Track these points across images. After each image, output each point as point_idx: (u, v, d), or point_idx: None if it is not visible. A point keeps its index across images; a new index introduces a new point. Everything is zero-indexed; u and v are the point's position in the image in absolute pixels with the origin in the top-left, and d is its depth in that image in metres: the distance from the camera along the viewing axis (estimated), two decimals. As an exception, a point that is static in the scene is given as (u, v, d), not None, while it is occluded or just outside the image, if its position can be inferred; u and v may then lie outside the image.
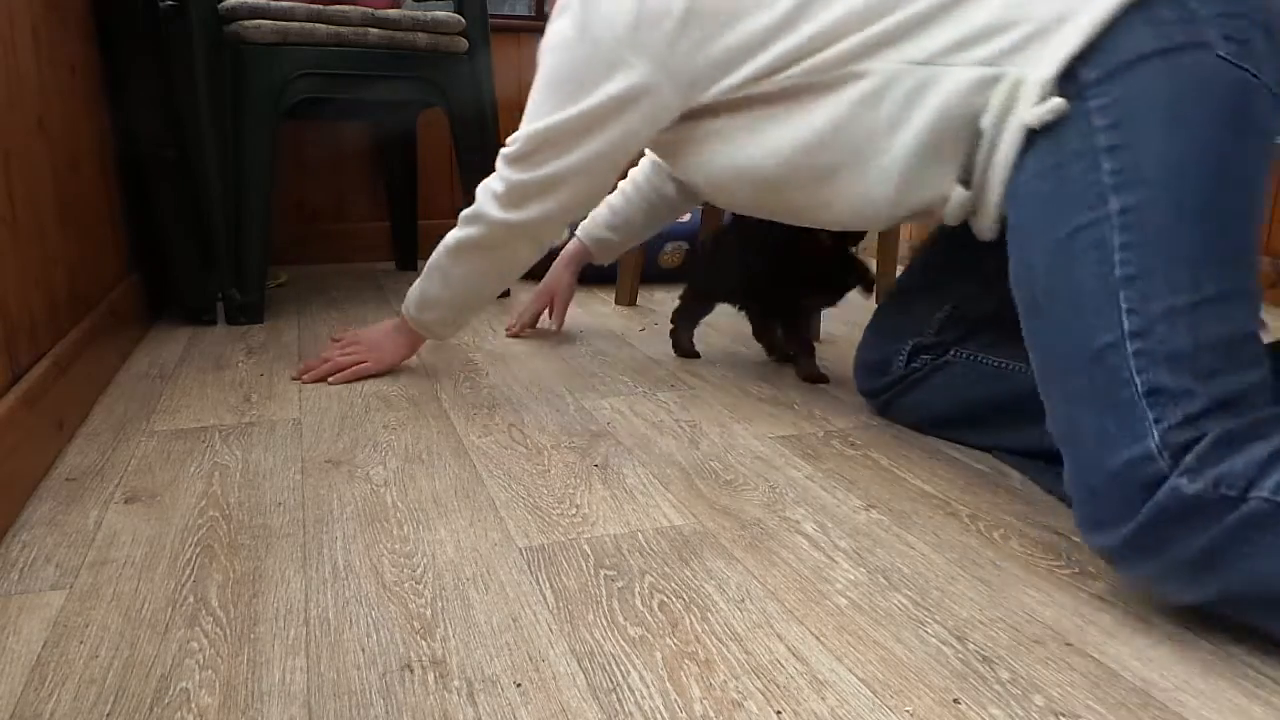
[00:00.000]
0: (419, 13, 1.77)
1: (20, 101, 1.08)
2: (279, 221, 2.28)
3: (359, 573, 0.79)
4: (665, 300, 2.00)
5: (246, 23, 1.61)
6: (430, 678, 0.64)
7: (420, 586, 0.77)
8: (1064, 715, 0.61)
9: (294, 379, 1.35)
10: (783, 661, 0.67)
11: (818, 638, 0.70)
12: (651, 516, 0.91)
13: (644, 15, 0.99)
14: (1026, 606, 0.75)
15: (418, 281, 1.29)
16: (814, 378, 1.39)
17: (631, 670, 0.65)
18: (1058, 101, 0.82)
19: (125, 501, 0.93)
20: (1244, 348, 0.71)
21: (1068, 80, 0.82)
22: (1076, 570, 0.81)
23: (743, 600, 0.75)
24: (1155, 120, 0.77)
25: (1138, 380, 0.71)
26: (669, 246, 2.16)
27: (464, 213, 1.20)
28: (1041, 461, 1.00)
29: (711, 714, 0.61)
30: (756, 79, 0.98)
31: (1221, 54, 0.77)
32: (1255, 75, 0.78)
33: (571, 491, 0.96)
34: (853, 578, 0.79)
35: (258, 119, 1.66)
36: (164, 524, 0.88)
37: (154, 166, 1.62)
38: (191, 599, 0.74)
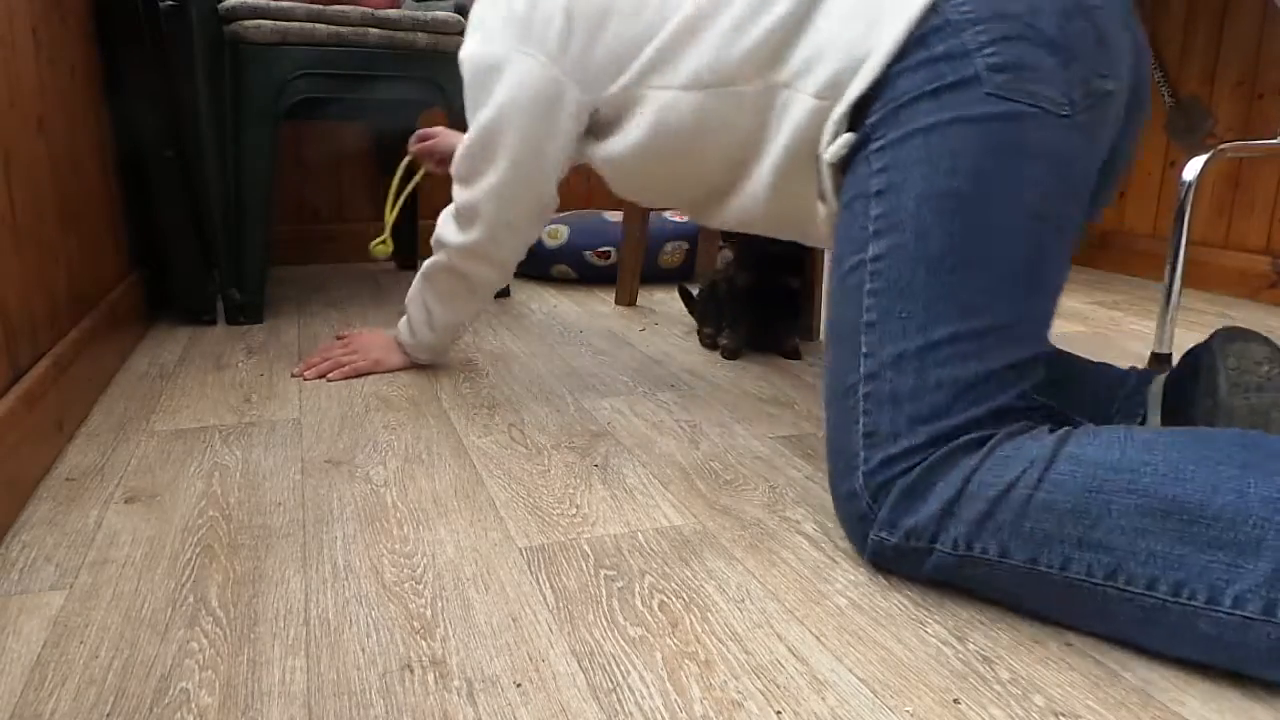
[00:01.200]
0: (419, 13, 1.77)
1: (20, 101, 1.08)
2: (279, 221, 2.29)
3: (359, 573, 0.79)
4: (665, 300, 2.00)
5: (246, 23, 1.61)
6: (430, 678, 0.64)
7: (420, 586, 0.77)
8: (1064, 715, 0.61)
9: (294, 375, 1.36)
10: (783, 661, 0.67)
11: (818, 638, 0.70)
12: (651, 516, 0.91)
13: (535, 17, 1.04)
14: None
15: (406, 307, 1.36)
16: (729, 352, 1.52)
17: (631, 670, 0.65)
18: (845, 138, 0.84)
19: (125, 501, 0.93)
20: (975, 388, 0.74)
21: (859, 117, 0.84)
22: (1076, 570, 0.81)
23: (743, 600, 0.75)
24: (914, 165, 0.78)
25: (861, 421, 0.77)
26: (669, 246, 2.16)
27: (432, 238, 1.26)
28: None
29: (711, 714, 0.61)
30: (646, 80, 1.00)
31: (988, 90, 0.76)
32: (1030, 104, 0.76)
33: (571, 491, 0.97)
34: (853, 578, 0.79)
35: (258, 119, 1.66)
36: (164, 524, 0.88)
37: (154, 166, 1.62)
38: (191, 599, 0.74)
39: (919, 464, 0.73)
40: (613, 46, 1.01)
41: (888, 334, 0.76)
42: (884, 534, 0.75)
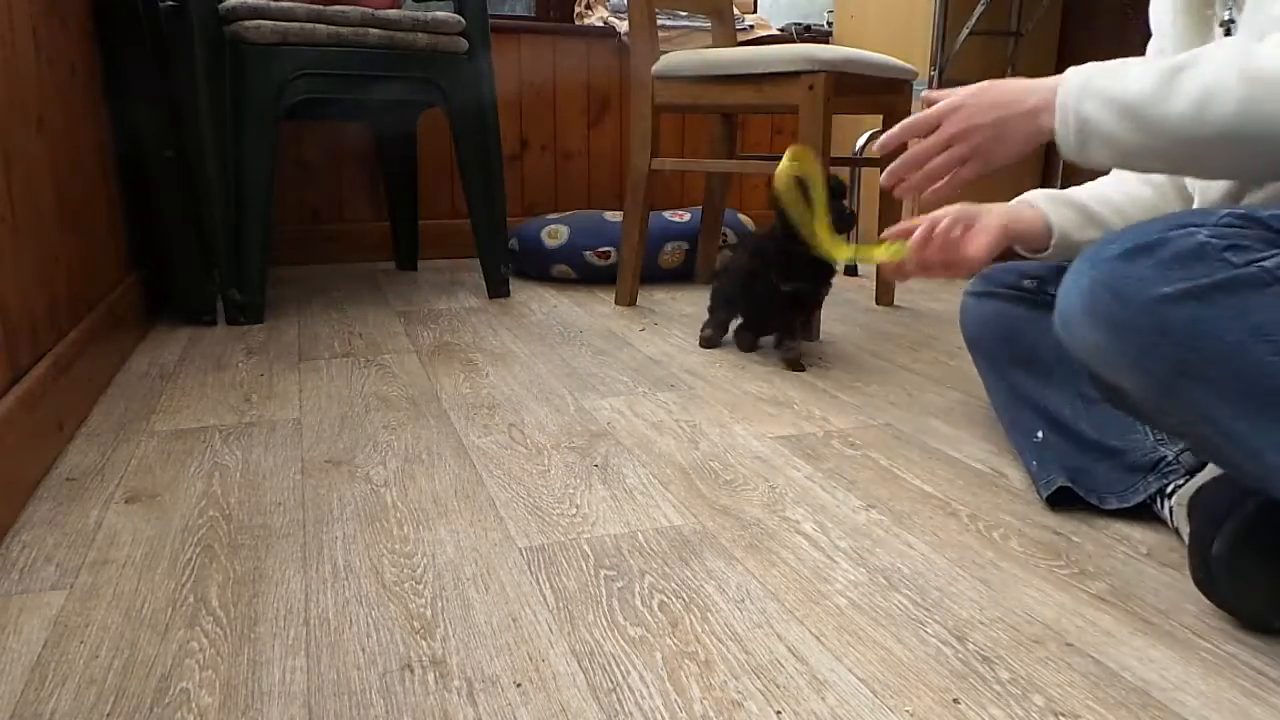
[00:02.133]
0: (419, 13, 1.77)
1: (20, 101, 1.08)
2: (279, 221, 2.29)
3: (359, 573, 0.79)
4: (665, 300, 2.00)
5: (246, 23, 1.61)
6: (430, 678, 0.64)
7: (420, 586, 0.77)
8: (1064, 715, 0.61)
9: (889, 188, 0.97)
10: (783, 661, 0.67)
11: (818, 638, 0.70)
12: (651, 516, 0.91)
13: None
14: (1026, 606, 0.75)
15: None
16: (794, 365, 1.47)
17: (631, 670, 0.65)
18: None
19: (125, 501, 0.93)
20: None
21: None
22: (1076, 570, 0.81)
23: (743, 600, 0.75)
24: None
25: None
26: (669, 246, 2.16)
27: None
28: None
29: (711, 714, 0.61)
30: None
31: None
32: None
33: (571, 491, 0.97)
34: (853, 578, 0.79)
35: (258, 119, 1.66)
36: (164, 524, 0.88)
37: (154, 166, 1.62)
38: (191, 599, 0.74)
39: None
40: None
41: None
42: None
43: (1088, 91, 0.79)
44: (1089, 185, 1.06)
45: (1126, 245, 0.68)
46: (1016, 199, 1.05)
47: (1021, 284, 1.10)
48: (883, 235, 1.05)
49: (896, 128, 0.93)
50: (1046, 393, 1.02)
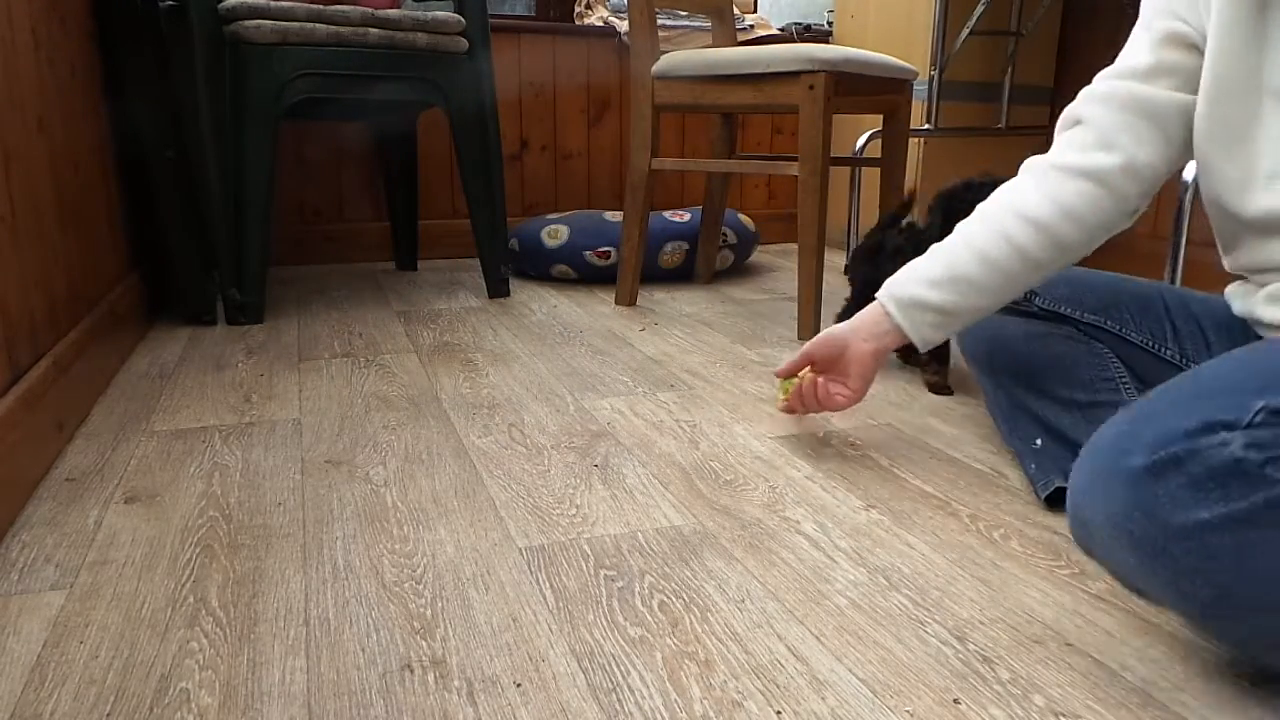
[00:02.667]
0: (419, 13, 1.77)
1: (20, 101, 1.08)
2: (279, 221, 2.29)
3: (359, 573, 0.79)
4: (665, 300, 2.00)
5: (246, 23, 1.61)
6: (430, 678, 0.64)
7: (420, 586, 0.77)
8: (1064, 715, 0.61)
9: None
10: (783, 661, 0.67)
11: (818, 638, 0.70)
12: (651, 516, 0.91)
13: None
14: (1026, 606, 0.75)
15: None
16: (938, 387, 1.35)
17: (631, 670, 0.65)
18: None
19: (125, 501, 0.93)
20: None
21: None
22: (1076, 570, 0.81)
23: (743, 600, 0.75)
24: None
25: None
26: (669, 246, 2.16)
27: None
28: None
29: (711, 714, 0.61)
30: None
31: None
32: None
33: (571, 491, 0.96)
34: (853, 578, 0.79)
35: (258, 119, 1.66)
36: (164, 524, 0.88)
37: (154, 166, 1.62)
38: (191, 599, 0.74)
39: None
40: None
41: None
42: None
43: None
44: (959, 238, 0.98)
45: (1152, 457, 0.60)
46: (874, 302, 1.03)
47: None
48: (776, 372, 1.12)
49: None
50: (1042, 403, 1.02)
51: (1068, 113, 0.94)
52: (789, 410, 1.12)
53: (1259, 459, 0.56)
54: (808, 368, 1.08)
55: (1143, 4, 0.92)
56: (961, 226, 0.98)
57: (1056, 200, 0.91)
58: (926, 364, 1.37)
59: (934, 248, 0.99)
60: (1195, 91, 0.85)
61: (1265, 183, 0.80)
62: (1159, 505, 0.59)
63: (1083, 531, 0.65)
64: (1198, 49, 0.85)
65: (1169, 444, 0.59)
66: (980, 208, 0.97)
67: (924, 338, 0.99)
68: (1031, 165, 0.95)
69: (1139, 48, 0.89)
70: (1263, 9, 0.79)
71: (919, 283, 0.98)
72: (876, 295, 1.02)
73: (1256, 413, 0.58)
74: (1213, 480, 0.57)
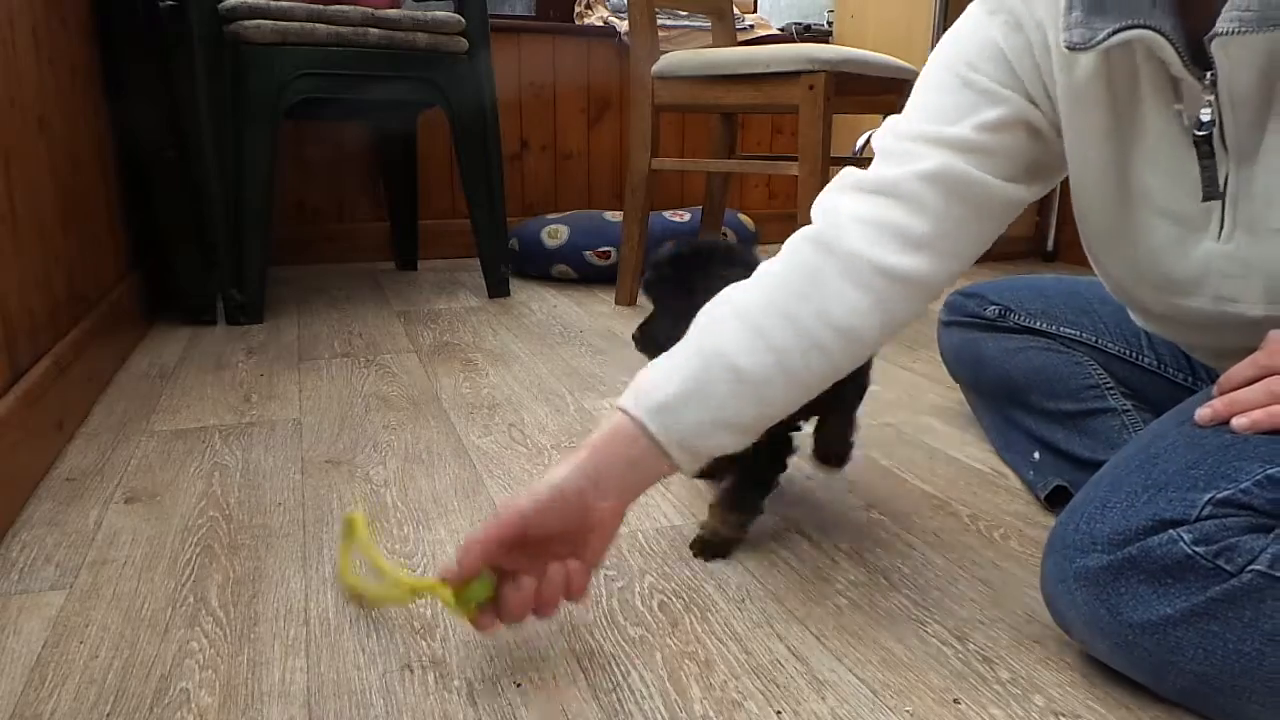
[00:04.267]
0: (419, 13, 1.77)
1: (20, 101, 1.08)
2: (279, 221, 2.29)
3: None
4: (665, 300, 2.00)
5: (246, 23, 1.61)
6: (430, 678, 0.64)
7: (420, 586, 0.77)
8: (1064, 715, 0.61)
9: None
10: (783, 661, 0.67)
11: (818, 638, 0.70)
12: (651, 516, 0.91)
13: None
14: (1026, 606, 0.75)
15: None
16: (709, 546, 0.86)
17: (631, 670, 0.65)
18: None
19: (125, 501, 0.93)
20: None
21: None
22: (1076, 570, 0.81)
23: (743, 600, 0.75)
24: None
25: None
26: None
27: None
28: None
29: (711, 714, 0.61)
30: None
31: None
32: None
33: (571, 491, 0.96)
34: (853, 578, 0.79)
35: (258, 119, 1.66)
36: (164, 524, 0.88)
37: (154, 166, 1.62)
38: (191, 599, 0.74)
39: None
40: None
41: None
42: None
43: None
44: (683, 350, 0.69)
45: (1108, 558, 0.61)
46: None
47: (984, 313, 1.10)
48: (445, 575, 0.64)
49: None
50: (1031, 418, 1.03)
51: (880, 166, 0.72)
52: (485, 627, 0.65)
53: (1208, 553, 0.58)
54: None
55: (955, 39, 0.74)
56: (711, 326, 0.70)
57: (852, 310, 0.68)
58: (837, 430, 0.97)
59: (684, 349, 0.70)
60: (1023, 181, 0.72)
61: (1153, 293, 0.75)
62: (1122, 603, 0.61)
63: (1060, 620, 0.67)
64: (1042, 136, 0.72)
65: (1122, 544, 0.61)
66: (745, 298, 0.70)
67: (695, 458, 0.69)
68: (826, 239, 0.70)
69: (958, 107, 0.70)
70: (1119, 108, 0.69)
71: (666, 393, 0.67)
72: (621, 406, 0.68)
73: (1203, 507, 0.59)
74: (1170, 575, 0.59)
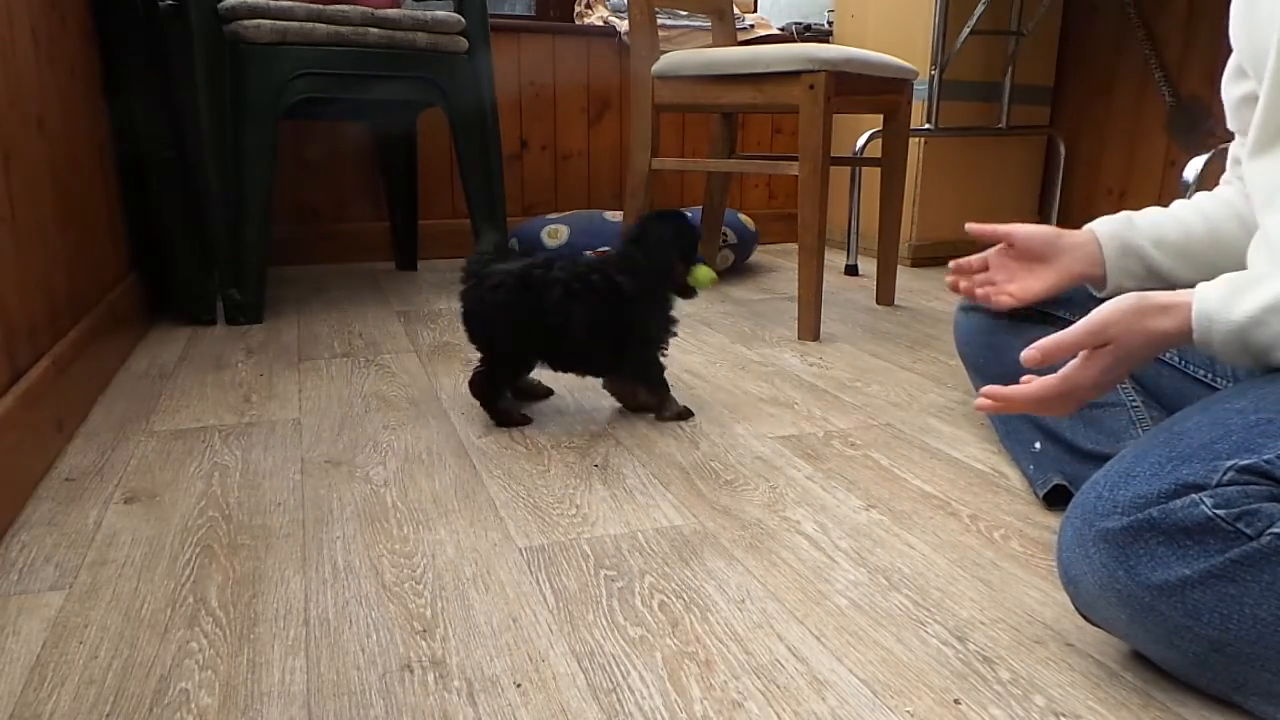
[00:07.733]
0: (419, 12, 1.77)
1: (20, 101, 1.08)
2: (279, 221, 2.29)
3: (359, 573, 0.79)
4: (665, 300, 2.00)
5: (246, 22, 1.61)
6: (430, 678, 0.64)
7: (420, 586, 0.77)
8: (1064, 715, 0.61)
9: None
10: (783, 661, 0.67)
11: (818, 638, 0.70)
12: (651, 516, 0.91)
13: None
14: (1026, 606, 0.75)
15: None
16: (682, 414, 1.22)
17: (631, 670, 0.65)
18: None
19: (125, 501, 0.93)
20: None
21: None
22: (1077, 570, 0.81)
23: (743, 600, 0.75)
24: None
25: None
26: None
27: None
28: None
29: (711, 714, 0.61)
30: None
31: None
32: None
33: (571, 491, 0.96)
34: (853, 578, 0.79)
35: (258, 119, 1.66)
36: (164, 524, 0.88)
37: (154, 166, 1.62)
38: (191, 599, 0.74)
39: None
40: None
41: None
42: None
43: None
44: (1150, 221, 0.98)
45: (1127, 520, 0.62)
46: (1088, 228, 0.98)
47: None
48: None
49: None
50: None
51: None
52: (969, 291, 1.04)
53: (1229, 516, 0.59)
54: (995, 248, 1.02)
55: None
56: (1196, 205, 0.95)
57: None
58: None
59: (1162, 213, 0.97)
60: None
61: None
62: (1140, 564, 0.61)
63: (1075, 591, 0.67)
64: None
65: (1144, 507, 0.61)
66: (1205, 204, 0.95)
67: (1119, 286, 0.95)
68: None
69: None
70: None
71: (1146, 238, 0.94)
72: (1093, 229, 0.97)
73: (1225, 472, 0.60)
74: (1189, 538, 0.60)
